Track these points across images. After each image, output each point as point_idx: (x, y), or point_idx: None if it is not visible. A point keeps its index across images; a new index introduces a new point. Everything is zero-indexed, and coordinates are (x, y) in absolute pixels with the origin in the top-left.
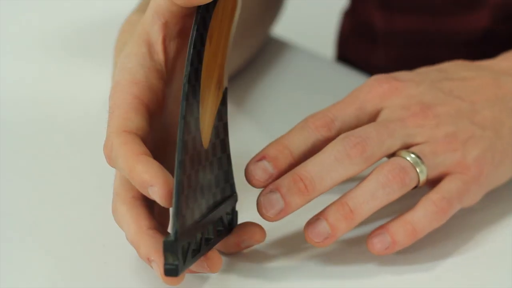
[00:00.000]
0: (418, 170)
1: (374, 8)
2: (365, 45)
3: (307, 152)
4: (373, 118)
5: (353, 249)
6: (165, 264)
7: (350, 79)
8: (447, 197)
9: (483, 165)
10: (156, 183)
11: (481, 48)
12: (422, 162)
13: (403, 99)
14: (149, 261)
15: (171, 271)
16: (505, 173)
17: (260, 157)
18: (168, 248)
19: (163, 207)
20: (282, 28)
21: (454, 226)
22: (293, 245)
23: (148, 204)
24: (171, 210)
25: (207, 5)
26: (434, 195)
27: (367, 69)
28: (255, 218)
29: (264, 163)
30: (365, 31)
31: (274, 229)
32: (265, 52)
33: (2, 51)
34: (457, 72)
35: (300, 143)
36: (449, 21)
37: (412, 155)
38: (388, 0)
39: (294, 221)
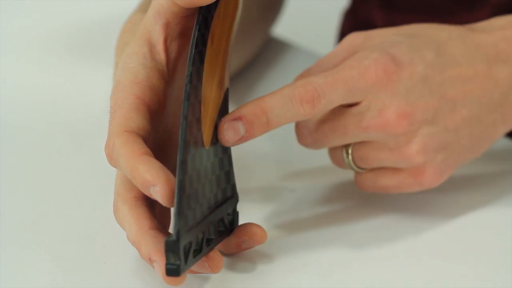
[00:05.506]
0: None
1: (375, 8)
2: None
3: (283, 123)
4: (356, 103)
5: (354, 250)
6: (167, 264)
7: None
8: (374, 186)
9: (442, 173)
10: (158, 183)
11: None
12: (355, 164)
13: (387, 97)
14: (150, 261)
15: (172, 271)
16: (464, 163)
17: (236, 117)
18: (170, 248)
19: (164, 207)
20: (282, 28)
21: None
22: (293, 246)
23: (150, 204)
24: (172, 210)
25: (209, 5)
26: (365, 176)
27: None
28: (257, 219)
29: (238, 125)
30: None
31: (275, 230)
32: (265, 52)
33: (2, 51)
34: (454, 57)
35: (279, 113)
36: (449, 20)
37: (349, 157)
38: (389, 0)
39: (295, 223)
